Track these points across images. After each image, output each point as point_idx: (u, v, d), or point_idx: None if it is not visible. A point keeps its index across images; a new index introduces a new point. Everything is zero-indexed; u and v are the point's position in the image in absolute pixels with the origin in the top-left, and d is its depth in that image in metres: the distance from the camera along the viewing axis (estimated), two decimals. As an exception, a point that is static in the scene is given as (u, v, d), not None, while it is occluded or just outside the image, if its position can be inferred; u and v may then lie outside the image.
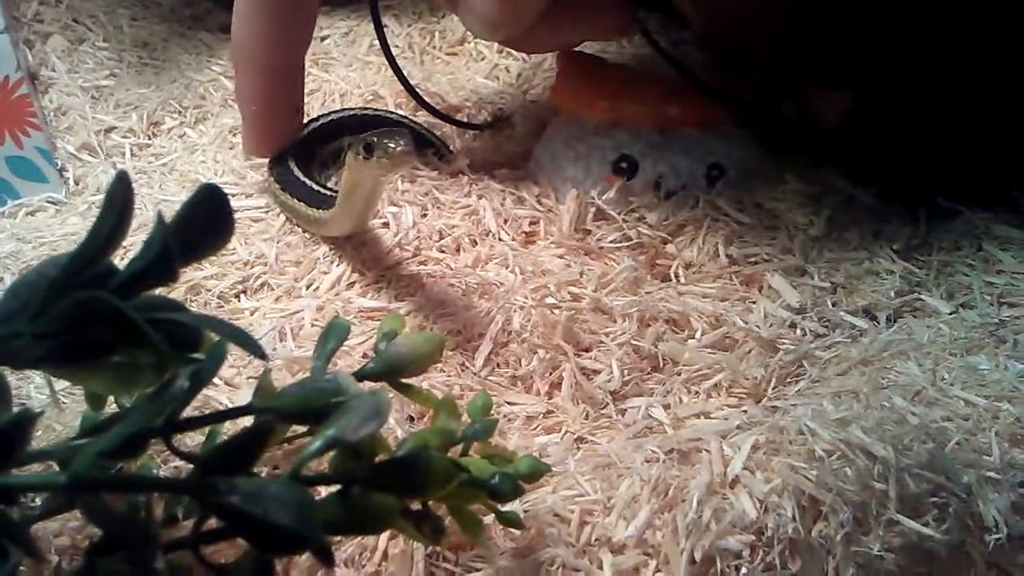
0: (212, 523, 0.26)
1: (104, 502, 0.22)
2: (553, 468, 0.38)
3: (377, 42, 0.61)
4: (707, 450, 0.38)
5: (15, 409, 0.27)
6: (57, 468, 0.27)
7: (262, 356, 0.25)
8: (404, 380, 0.32)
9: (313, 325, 0.48)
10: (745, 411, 0.42)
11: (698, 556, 0.33)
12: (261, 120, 0.55)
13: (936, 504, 0.35)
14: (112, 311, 0.22)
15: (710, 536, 0.34)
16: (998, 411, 0.38)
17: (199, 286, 0.50)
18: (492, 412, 0.38)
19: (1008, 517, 0.36)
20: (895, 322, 0.48)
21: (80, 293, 0.22)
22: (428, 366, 0.31)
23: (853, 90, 0.56)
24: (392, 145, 0.41)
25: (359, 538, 0.35)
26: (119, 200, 0.24)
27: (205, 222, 0.25)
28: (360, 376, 0.30)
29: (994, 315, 0.47)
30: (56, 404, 0.36)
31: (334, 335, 0.31)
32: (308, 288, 0.51)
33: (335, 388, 0.27)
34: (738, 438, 0.38)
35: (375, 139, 0.42)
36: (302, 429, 0.35)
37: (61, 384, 0.41)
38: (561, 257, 0.52)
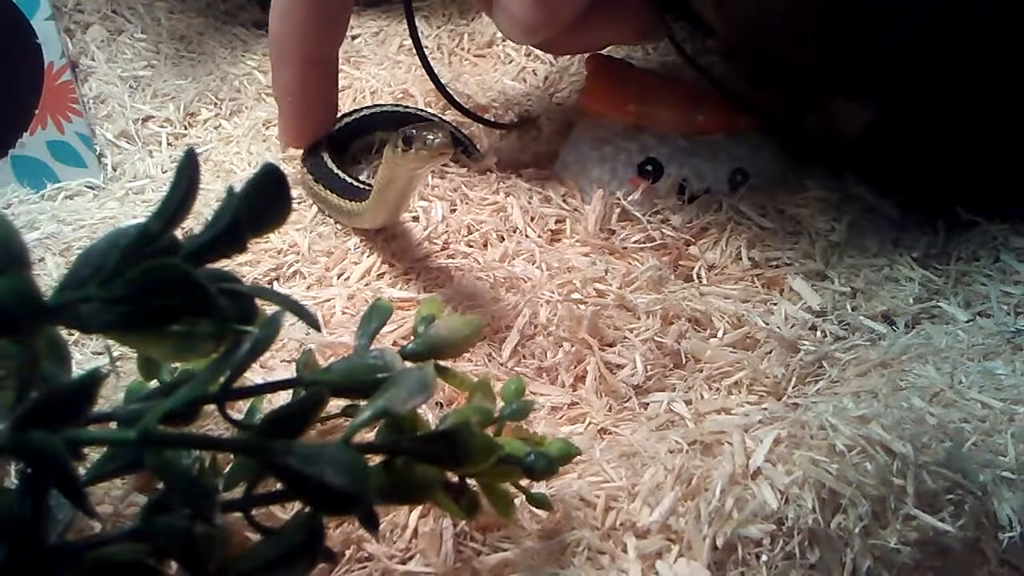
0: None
1: (169, 459, 0.23)
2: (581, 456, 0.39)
3: (407, 42, 0.62)
4: (729, 442, 0.39)
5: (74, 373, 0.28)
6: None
7: (316, 326, 0.26)
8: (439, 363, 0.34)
9: (344, 313, 0.49)
10: (766, 408, 0.43)
11: (720, 543, 0.34)
12: (297, 112, 0.57)
13: (952, 501, 0.36)
14: (180, 280, 0.24)
15: (732, 524, 0.35)
16: (1014, 414, 0.39)
17: (234, 272, 0.51)
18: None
19: (1022, 516, 0.37)
20: (913, 327, 0.49)
21: (152, 261, 0.23)
22: (466, 349, 0.32)
23: (877, 101, 0.57)
24: (431, 138, 0.42)
25: (390, 515, 0.36)
26: (187, 175, 0.25)
27: (267, 199, 0.26)
28: (402, 356, 0.31)
29: (1011, 324, 0.48)
30: (114, 371, 0.38)
31: (377, 316, 0.32)
32: (339, 277, 0.52)
33: (382, 364, 0.28)
34: (760, 432, 0.39)
35: (414, 132, 0.43)
36: (335, 410, 0.36)
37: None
38: (586, 255, 0.53)
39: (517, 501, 0.34)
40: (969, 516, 0.36)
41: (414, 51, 0.63)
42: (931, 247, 0.54)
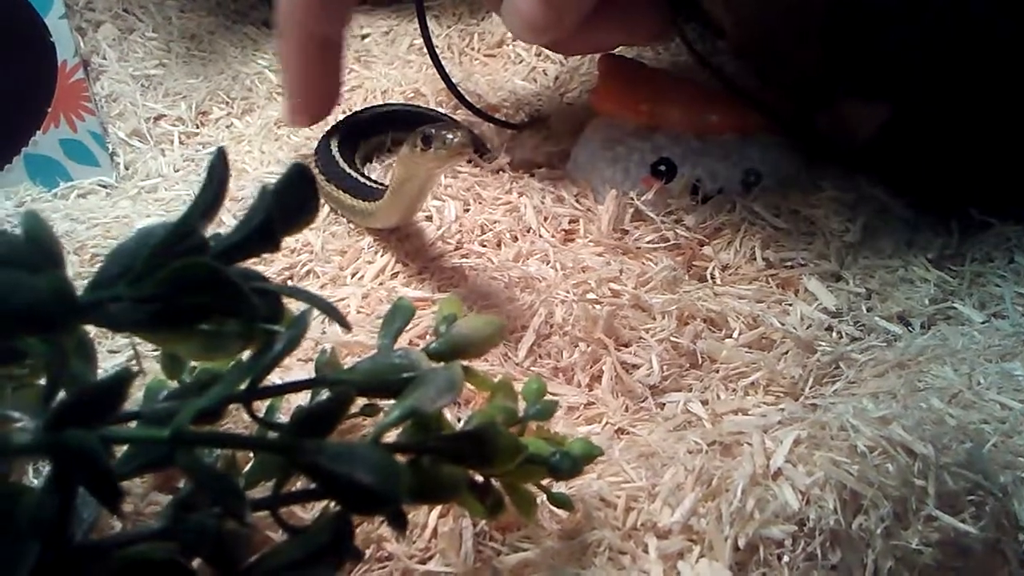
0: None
1: (200, 458, 0.23)
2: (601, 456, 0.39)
3: (417, 41, 0.62)
4: (749, 443, 0.39)
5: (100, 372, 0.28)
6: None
7: (345, 324, 0.26)
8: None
9: (359, 312, 0.49)
10: (783, 408, 0.43)
11: (742, 543, 0.34)
12: (299, 91, 0.57)
13: (973, 502, 0.36)
14: (211, 278, 0.24)
15: (754, 525, 0.35)
16: (1033, 414, 0.39)
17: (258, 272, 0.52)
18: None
19: (1042, 518, 0.37)
20: (929, 329, 0.49)
21: (182, 259, 0.23)
22: (488, 349, 0.32)
23: (890, 102, 0.57)
24: (451, 137, 0.42)
25: (410, 515, 0.36)
26: (218, 174, 0.25)
27: (296, 198, 0.26)
28: (428, 355, 0.31)
29: (1026, 325, 0.48)
30: (140, 369, 0.38)
31: (400, 315, 0.32)
32: (353, 277, 0.52)
33: (408, 364, 0.28)
34: (780, 432, 0.39)
35: (433, 131, 0.43)
36: (354, 410, 0.36)
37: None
38: (600, 255, 0.53)
39: (538, 501, 0.34)
40: (990, 517, 0.36)
41: (424, 50, 0.63)
42: (945, 248, 0.54)
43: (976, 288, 0.52)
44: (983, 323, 0.49)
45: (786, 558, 0.34)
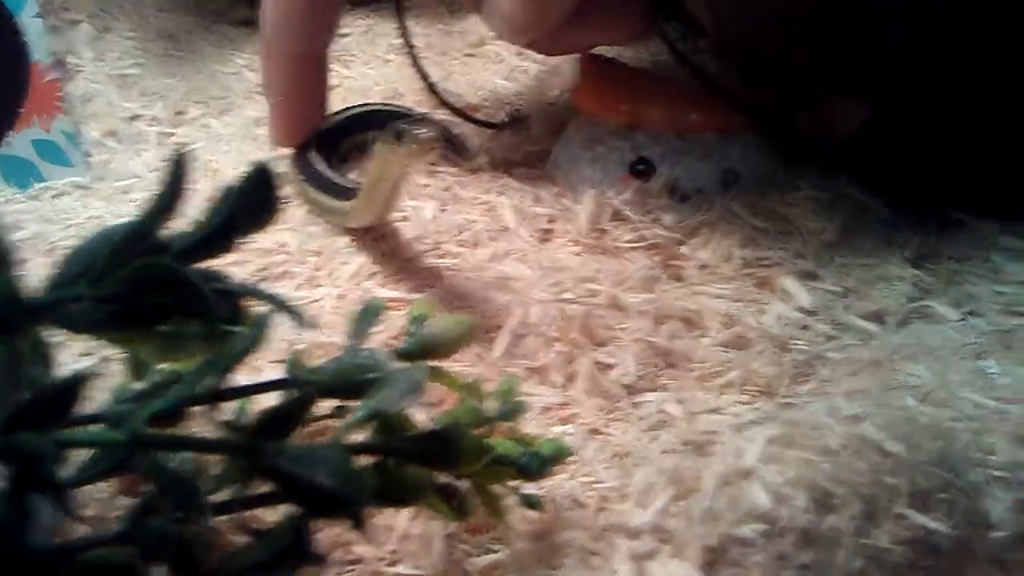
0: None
1: (161, 461, 0.23)
2: (572, 457, 0.39)
3: (396, 41, 0.62)
4: (722, 442, 0.39)
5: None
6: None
7: (305, 324, 0.26)
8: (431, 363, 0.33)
9: (334, 313, 0.49)
10: (758, 407, 0.43)
11: (711, 543, 0.34)
12: (287, 110, 0.57)
13: (944, 500, 0.36)
14: (171, 278, 0.23)
15: (724, 525, 0.34)
16: (1006, 413, 0.39)
17: (222, 272, 0.51)
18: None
19: (1013, 515, 0.37)
20: (904, 327, 0.49)
21: (143, 259, 0.23)
22: (459, 348, 0.32)
23: (871, 101, 0.57)
24: (420, 133, 0.42)
25: (380, 517, 0.36)
26: (176, 173, 0.25)
27: (256, 200, 0.26)
28: (397, 355, 0.31)
29: (1002, 324, 0.48)
30: (100, 372, 0.37)
31: (369, 315, 0.32)
32: (328, 277, 0.52)
33: (373, 364, 0.28)
34: (752, 431, 0.39)
35: (404, 127, 0.43)
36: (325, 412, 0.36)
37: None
38: (578, 255, 0.53)
39: (511, 500, 0.34)
40: (960, 515, 0.36)
41: (404, 50, 0.62)
42: (923, 247, 0.54)
43: (953, 286, 0.52)
44: (959, 321, 0.49)
45: (756, 558, 0.34)
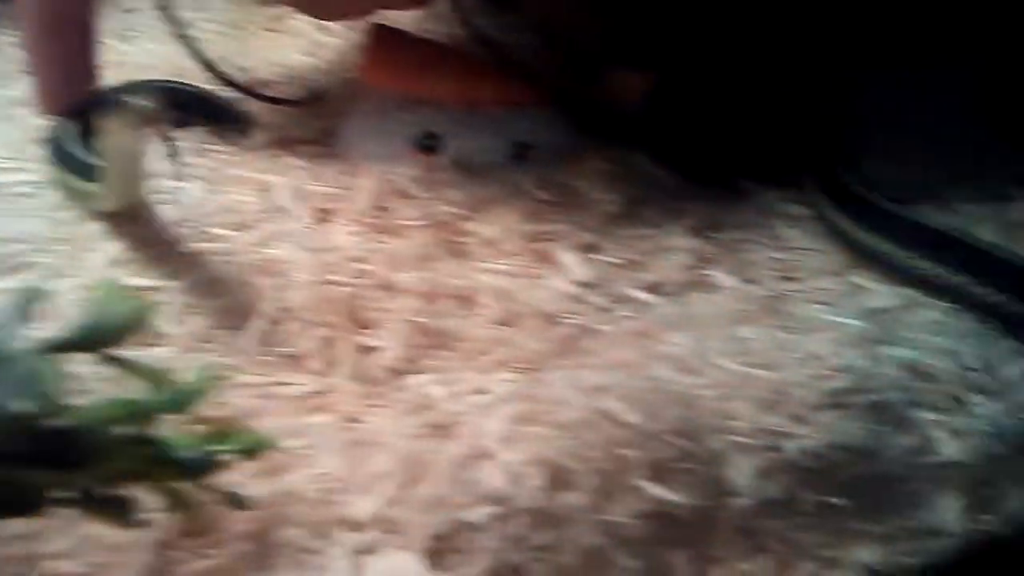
0: None
1: None
2: (305, 448, 0.36)
3: (187, 16, 0.58)
4: (466, 423, 0.37)
5: None
6: None
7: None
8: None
9: (80, 305, 0.44)
10: (514, 383, 0.41)
11: (440, 530, 0.32)
12: (49, 75, 0.53)
13: (684, 470, 0.35)
14: None
15: (452, 509, 0.33)
16: (753, 378, 0.39)
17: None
18: (255, 391, 0.36)
19: (757, 482, 0.36)
20: (680, 297, 0.48)
21: None
22: (129, 336, 0.28)
23: (655, 72, 0.57)
24: (137, 103, 0.39)
25: (79, 529, 0.32)
26: None
27: None
28: (49, 349, 0.27)
29: (774, 289, 0.48)
30: None
31: (29, 300, 0.28)
32: (75, 267, 0.47)
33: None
34: (498, 410, 0.37)
35: (123, 99, 0.39)
36: None
37: None
38: (355, 235, 0.50)
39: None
40: (700, 485, 0.35)
41: (190, 27, 0.59)
42: (707, 216, 0.54)
43: (733, 254, 0.52)
44: (734, 289, 0.48)
45: (486, 542, 0.33)
